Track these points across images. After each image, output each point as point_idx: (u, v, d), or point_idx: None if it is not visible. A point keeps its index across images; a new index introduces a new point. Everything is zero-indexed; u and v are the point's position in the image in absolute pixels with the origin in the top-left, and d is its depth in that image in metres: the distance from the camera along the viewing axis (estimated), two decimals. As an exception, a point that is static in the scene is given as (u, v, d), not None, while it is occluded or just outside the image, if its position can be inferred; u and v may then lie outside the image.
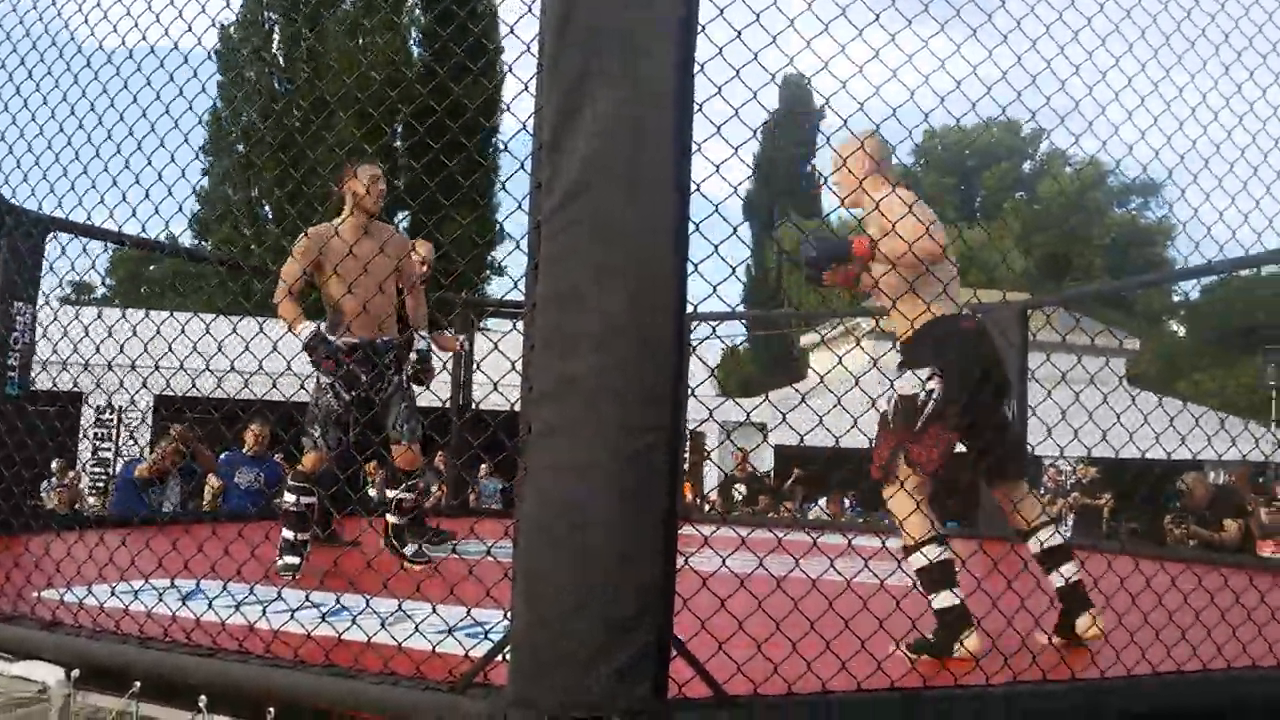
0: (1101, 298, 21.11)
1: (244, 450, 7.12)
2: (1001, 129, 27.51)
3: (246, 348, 2.59)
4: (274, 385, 2.73)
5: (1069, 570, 2.92)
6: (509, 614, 1.95)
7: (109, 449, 12.45)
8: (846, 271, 3.02)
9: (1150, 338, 22.98)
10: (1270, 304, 21.16)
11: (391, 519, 4.24)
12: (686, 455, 13.03)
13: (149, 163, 2.83)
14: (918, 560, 2.88)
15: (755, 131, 2.38)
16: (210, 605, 2.47)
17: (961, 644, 2.70)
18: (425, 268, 4.86)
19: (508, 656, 1.92)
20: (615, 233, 1.91)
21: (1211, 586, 2.84)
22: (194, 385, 3.12)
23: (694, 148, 2.01)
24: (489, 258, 24.98)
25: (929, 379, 2.90)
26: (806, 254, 3.03)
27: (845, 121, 2.65)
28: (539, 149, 1.99)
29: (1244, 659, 2.49)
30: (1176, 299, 26.34)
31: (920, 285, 2.80)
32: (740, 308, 22.70)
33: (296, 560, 3.87)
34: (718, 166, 2.31)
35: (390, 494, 4.28)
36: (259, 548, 2.64)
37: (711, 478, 12.40)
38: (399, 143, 21.20)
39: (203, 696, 2.21)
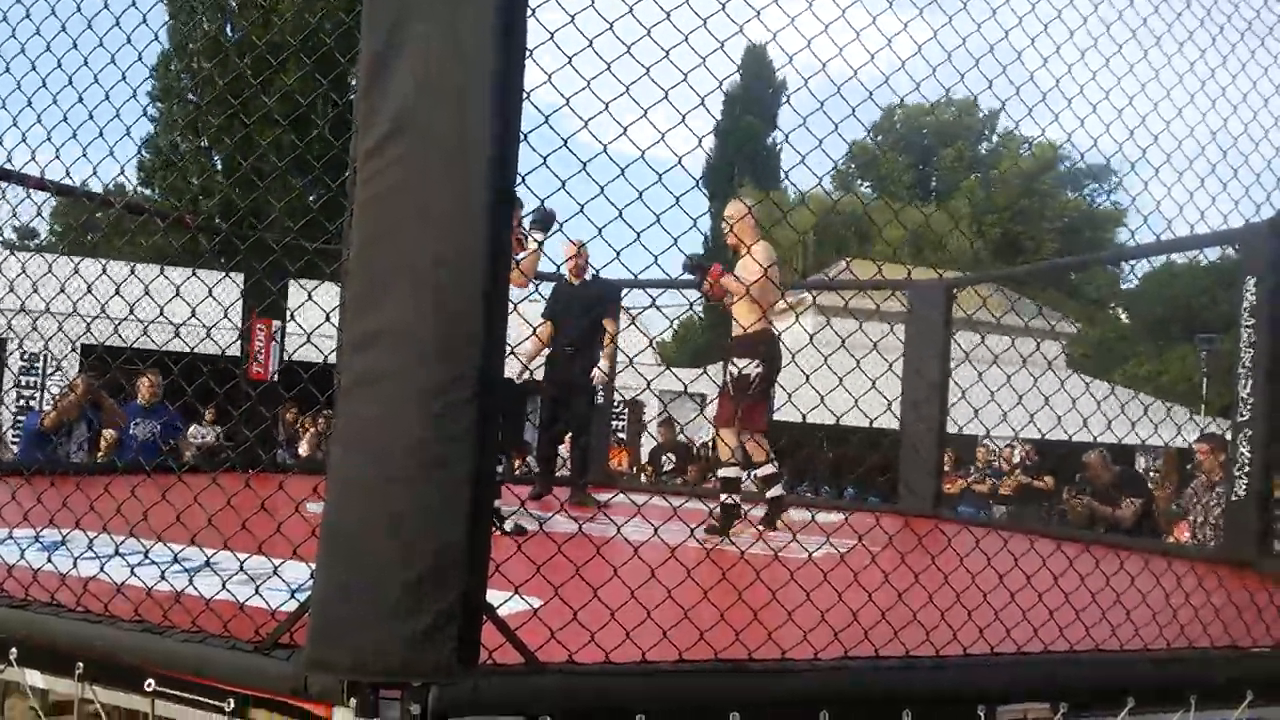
0: (1044, 280, 21.27)
1: (138, 401, 6.96)
2: (959, 108, 27.54)
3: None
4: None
5: (775, 490, 4.97)
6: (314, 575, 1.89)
7: (34, 398, 12.16)
8: (714, 287, 4.81)
9: (1091, 323, 23.27)
10: (1208, 291, 21.51)
11: None
12: (625, 423, 13.00)
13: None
14: (726, 471, 4.95)
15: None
16: (22, 554, 2.38)
17: (739, 526, 4.85)
18: None
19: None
20: (427, 181, 1.84)
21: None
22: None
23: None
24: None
25: (756, 366, 4.77)
26: (685, 266, 4.80)
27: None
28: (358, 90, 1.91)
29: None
30: (1125, 285, 26.59)
31: (757, 306, 4.60)
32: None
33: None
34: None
35: None
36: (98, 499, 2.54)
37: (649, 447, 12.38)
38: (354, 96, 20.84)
39: (14, 650, 2.14)
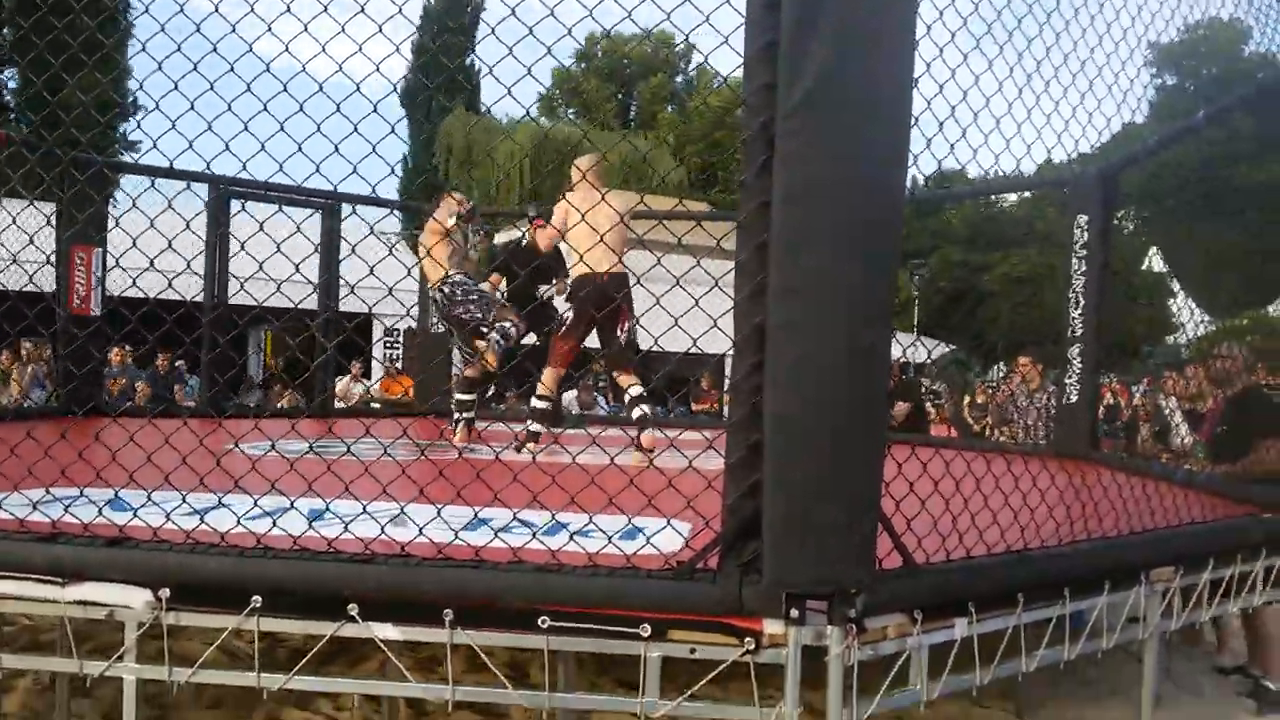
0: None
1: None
2: (657, 40, 28.57)
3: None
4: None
5: (638, 412, 5.04)
6: (727, 506, 2.03)
7: None
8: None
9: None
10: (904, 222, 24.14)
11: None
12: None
13: None
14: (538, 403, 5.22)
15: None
16: (364, 511, 2.26)
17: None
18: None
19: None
20: (851, 138, 1.98)
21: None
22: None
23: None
24: (120, 129, 22.13)
25: (568, 309, 5.12)
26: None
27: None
28: (768, 46, 1.99)
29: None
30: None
31: (579, 251, 4.45)
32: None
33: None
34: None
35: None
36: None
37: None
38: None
39: (353, 606, 2.07)
